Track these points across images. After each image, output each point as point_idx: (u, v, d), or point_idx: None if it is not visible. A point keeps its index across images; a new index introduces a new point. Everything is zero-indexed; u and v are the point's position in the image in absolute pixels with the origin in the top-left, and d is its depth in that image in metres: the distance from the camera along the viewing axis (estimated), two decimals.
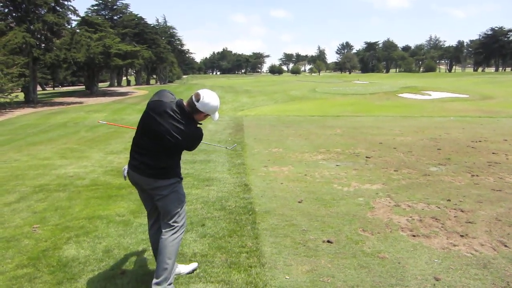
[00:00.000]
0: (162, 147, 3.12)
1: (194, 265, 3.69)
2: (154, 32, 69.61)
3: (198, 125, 3.23)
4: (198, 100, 3.07)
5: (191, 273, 3.60)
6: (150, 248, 4.05)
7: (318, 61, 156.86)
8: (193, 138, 3.18)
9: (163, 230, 3.28)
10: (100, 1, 61.69)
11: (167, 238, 3.22)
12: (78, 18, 43.10)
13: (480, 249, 4.03)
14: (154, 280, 3.17)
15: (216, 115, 3.25)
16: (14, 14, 32.29)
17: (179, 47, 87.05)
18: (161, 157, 3.17)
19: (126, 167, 3.33)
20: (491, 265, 3.69)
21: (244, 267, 3.68)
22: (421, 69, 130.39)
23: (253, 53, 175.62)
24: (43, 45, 33.97)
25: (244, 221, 4.90)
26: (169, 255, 3.18)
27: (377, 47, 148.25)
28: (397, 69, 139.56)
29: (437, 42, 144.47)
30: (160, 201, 3.26)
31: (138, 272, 3.65)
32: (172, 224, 3.27)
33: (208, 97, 3.10)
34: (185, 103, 3.14)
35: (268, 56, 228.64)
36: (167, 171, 3.24)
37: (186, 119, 3.10)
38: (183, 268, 3.58)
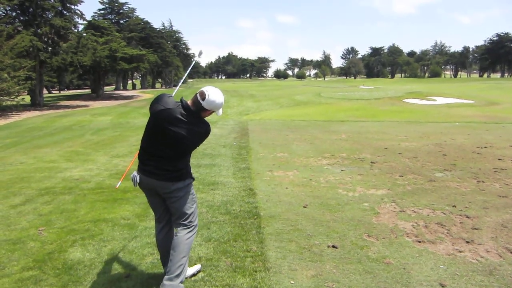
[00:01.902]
0: (178, 151, 3.18)
1: (197, 266, 3.69)
2: (160, 36, 70.04)
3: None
4: (203, 99, 3.09)
5: (195, 275, 3.61)
6: (155, 251, 4.08)
7: (323, 66, 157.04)
8: (205, 135, 3.27)
9: (178, 229, 3.34)
10: (107, 5, 62.12)
11: (182, 235, 3.28)
12: (85, 22, 43.46)
13: (486, 255, 4.01)
14: (166, 277, 3.19)
15: (220, 110, 3.30)
16: (21, 18, 32.56)
17: (185, 51, 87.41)
18: (177, 160, 3.22)
19: (135, 173, 3.32)
20: (497, 271, 3.67)
21: (249, 271, 3.67)
22: (427, 75, 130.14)
23: (258, 57, 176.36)
24: (50, 48, 34.18)
25: (249, 225, 4.90)
26: (183, 253, 3.23)
27: (382, 52, 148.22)
28: (402, 74, 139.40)
29: (442, 47, 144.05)
30: (175, 203, 3.30)
31: (143, 276, 3.65)
32: (187, 224, 3.35)
33: (213, 95, 3.12)
34: (189, 102, 3.16)
35: (273, 60, 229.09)
36: (183, 172, 3.30)
37: (195, 119, 3.14)
38: (188, 271, 3.57)
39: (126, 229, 4.85)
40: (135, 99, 40.43)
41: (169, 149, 3.16)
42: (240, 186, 6.79)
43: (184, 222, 3.35)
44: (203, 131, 3.22)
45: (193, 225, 3.40)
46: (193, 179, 3.45)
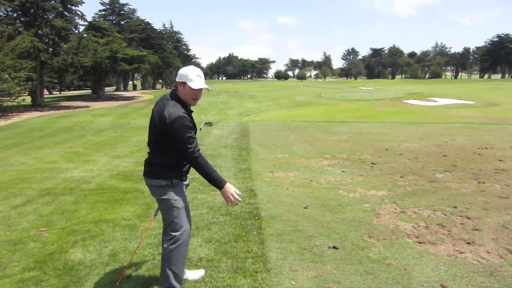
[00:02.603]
0: (151, 136, 3.12)
1: (201, 272, 3.67)
2: (161, 37, 70.03)
3: (185, 112, 3.04)
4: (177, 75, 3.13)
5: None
6: (156, 252, 4.09)
7: (323, 66, 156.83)
8: (171, 114, 2.95)
9: (164, 239, 3.24)
10: (108, 6, 62.21)
11: (166, 247, 3.14)
12: (86, 23, 43.63)
13: (486, 256, 4.01)
14: None
15: (195, 83, 3.05)
16: (22, 19, 32.62)
17: (185, 52, 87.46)
18: (155, 152, 3.15)
19: None
20: (497, 272, 3.67)
21: (250, 272, 3.68)
22: (427, 76, 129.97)
23: (259, 58, 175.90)
24: (51, 49, 34.27)
25: (250, 226, 4.90)
26: (169, 265, 3.12)
27: (383, 53, 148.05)
28: (403, 75, 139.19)
29: (443, 48, 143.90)
30: (157, 203, 3.25)
31: (144, 276, 3.66)
32: (170, 233, 3.15)
33: (183, 68, 3.15)
34: None
35: (274, 61, 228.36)
36: (159, 169, 3.13)
37: (173, 99, 3.09)
38: (190, 275, 3.57)
39: (127, 229, 4.85)
40: (135, 100, 40.44)
41: (149, 137, 3.17)
42: (241, 187, 6.79)
43: (166, 230, 3.19)
44: (165, 109, 2.98)
45: (173, 236, 3.11)
46: (172, 182, 3.13)
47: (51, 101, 42.33)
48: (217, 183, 3.00)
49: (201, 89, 3.12)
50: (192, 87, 3.04)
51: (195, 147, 2.99)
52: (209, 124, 4.55)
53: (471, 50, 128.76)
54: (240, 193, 2.95)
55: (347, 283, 3.49)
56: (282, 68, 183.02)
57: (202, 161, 3.01)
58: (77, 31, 37.99)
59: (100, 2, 60.65)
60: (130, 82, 74.65)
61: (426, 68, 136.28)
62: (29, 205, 5.95)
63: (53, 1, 33.03)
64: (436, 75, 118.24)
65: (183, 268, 3.20)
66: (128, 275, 3.67)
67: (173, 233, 3.13)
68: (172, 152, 3.06)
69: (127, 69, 45.49)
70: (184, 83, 3.06)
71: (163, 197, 3.14)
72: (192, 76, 3.06)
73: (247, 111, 27.27)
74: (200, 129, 4.50)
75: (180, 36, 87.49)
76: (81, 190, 6.80)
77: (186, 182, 3.37)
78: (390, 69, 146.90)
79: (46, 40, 33.27)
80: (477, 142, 11.60)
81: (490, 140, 12.09)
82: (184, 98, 3.11)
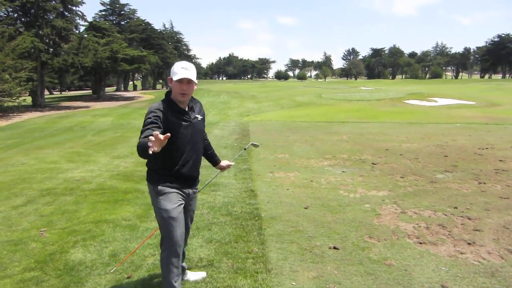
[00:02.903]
0: None
1: (202, 274, 3.65)
2: (161, 37, 70.06)
3: (159, 109, 2.93)
4: None
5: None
6: (156, 252, 4.08)
7: (324, 67, 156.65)
8: (148, 109, 2.98)
9: None
10: (108, 7, 62.19)
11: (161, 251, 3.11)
12: (86, 23, 43.59)
13: (487, 257, 4.01)
14: None
15: (178, 75, 2.95)
16: (23, 19, 32.62)
17: (186, 52, 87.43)
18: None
19: None
20: (498, 273, 3.66)
21: (250, 272, 3.67)
22: (428, 76, 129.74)
23: (259, 58, 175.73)
24: (51, 49, 34.25)
25: (250, 226, 4.90)
26: (162, 269, 3.06)
27: (383, 53, 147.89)
28: (403, 76, 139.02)
29: (443, 48, 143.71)
30: None
31: (145, 277, 3.65)
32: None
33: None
34: None
35: (274, 61, 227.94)
36: (148, 171, 3.13)
37: (162, 100, 3.07)
38: (191, 276, 3.57)
39: (127, 230, 4.85)
40: (136, 100, 40.43)
41: None
42: (241, 187, 6.80)
43: None
44: None
45: (163, 241, 3.05)
46: (158, 189, 3.01)
47: (52, 101, 42.35)
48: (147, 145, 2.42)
49: (190, 83, 2.99)
50: (174, 79, 2.97)
51: (143, 137, 2.68)
52: (255, 145, 4.50)
53: (471, 50, 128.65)
54: (169, 134, 2.44)
55: (348, 284, 3.49)
56: (283, 68, 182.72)
57: (140, 143, 2.58)
58: (77, 32, 37.98)
59: (100, 3, 60.65)
60: (131, 83, 74.64)
61: (426, 68, 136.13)
62: (30, 205, 5.95)
63: (53, 2, 33.04)
64: (436, 75, 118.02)
65: (172, 274, 3.02)
66: (128, 275, 3.67)
67: (163, 238, 3.07)
68: (159, 155, 2.60)
69: (128, 69, 45.50)
70: (172, 79, 3.01)
71: (153, 203, 3.10)
72: (176, 69, 2.99)
73: (247, 112, 27.25)
74: (245, 149, 4.46)
75: (181, 36, 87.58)
76: (81, 190, 6.81)
77: (189, 191, 3.20)
78: (390, 69, 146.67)
79: (47, 40, 33.26)
80: (478, 143, 11.59)
81: (490, 140, 12.08)
82: (174, 95, 3.06)
